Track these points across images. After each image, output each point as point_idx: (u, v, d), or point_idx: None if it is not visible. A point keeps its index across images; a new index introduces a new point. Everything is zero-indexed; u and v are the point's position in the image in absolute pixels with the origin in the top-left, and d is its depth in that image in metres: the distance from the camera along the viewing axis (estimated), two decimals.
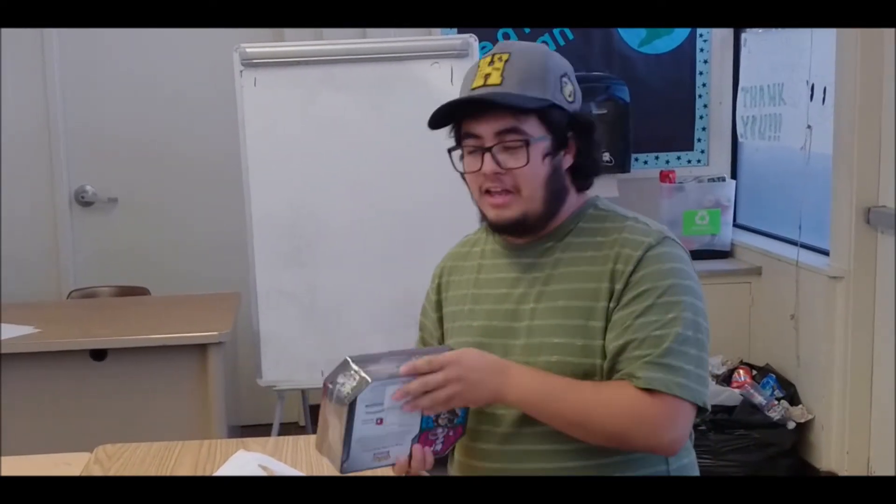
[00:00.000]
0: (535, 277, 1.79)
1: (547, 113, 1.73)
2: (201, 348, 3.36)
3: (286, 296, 3.70)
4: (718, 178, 4.68)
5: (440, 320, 1.96)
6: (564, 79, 1.77)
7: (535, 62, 1.75)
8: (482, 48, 3.87)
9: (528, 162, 1.72)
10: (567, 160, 1.79)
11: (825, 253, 3.90)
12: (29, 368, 3.34)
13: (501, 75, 1.73)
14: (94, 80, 4.70)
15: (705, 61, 4.84)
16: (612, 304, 1.71)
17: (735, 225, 4.74)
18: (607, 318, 1.71)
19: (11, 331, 3.42)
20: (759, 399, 3.96)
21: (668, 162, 4.88)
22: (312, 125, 3.67)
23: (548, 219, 1.79)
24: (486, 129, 1.73)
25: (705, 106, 4.87)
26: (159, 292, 4.35)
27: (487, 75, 1.74)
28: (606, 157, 4.40)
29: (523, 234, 1.82)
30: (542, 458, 1.73)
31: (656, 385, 1.64)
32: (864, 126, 3.60)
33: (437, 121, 1.78)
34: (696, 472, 1.84)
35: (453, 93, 3.74)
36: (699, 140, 4.90)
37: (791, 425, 3.92)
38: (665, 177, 4.64)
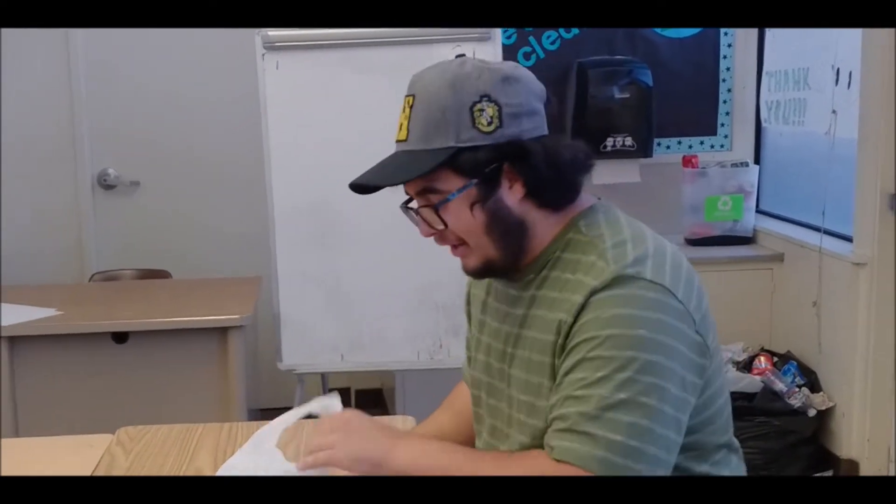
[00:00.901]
0: (515, 316, 1.61)
1: (455, 161, 1.50)
2: (222, 331, 3.38)
3: (307, 279, 3.70)
4: (742, 164, 4.66)
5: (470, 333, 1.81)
6: (480, 104, 1.50)
7: (434, 103, 1.51)
8: (504, 33, 3.87)
9: (445, 225, 1.55)
10: (516, 191, 1.54)
11: (848, 239, 3.87)
12: (51, 350, 3.36)
13: (407, 127, 1.54)
14: (117, 65, 4.71)
15: (729, 45, 4.80)
16: (557, 361, 1.50)
17: (758, 211, 4.71)
18: (555, 377, 1.50)
19: (34, 313, 3.45)
20: (779, 386, 3.95)
21: (690, 147, 4.86)
22: (334, 108, 3.66)
23: (517, 257, 1.58)
24: (410, 190, 1.59)
25: (729, 90, 4.84)
26: (181, 275, 4.36)
27: (400, 125, 1.57)
28: (628, 141, 4.39)
29: (501, 276, 1.63)
30: None
31: (567, 456, 1.41)
32: (890, 111, 3.56)
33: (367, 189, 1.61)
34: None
35: None
36: (722, 125, 4.87)
37: (812, 413, 3.90)
38: (688, 162, 4.61)
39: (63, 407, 3.36)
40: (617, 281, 1.45)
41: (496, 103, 1.51)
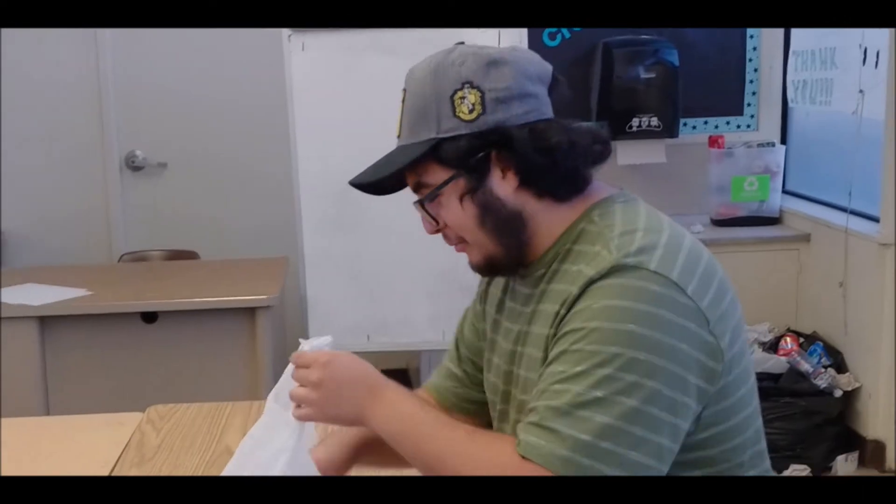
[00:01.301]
0: (525, 314, 1.50)
1: (437, 152, 1.44)
2: (250, 311, 3.41)
3: (333, 261, 3.73)
4: (768, 144, 4.63)
5: (484, 333, 1.68)
6: (461, 92, 1.43)
7: (418, 95, 1.47)
8: None
9: (436, 220, 1.50)
10: (509, 180, 1.44)
11: (875, 220, 3.85)
12: (81, 330, 3.40)
13: (400, 122, 1.51)
14: (143, 47, 4.74)
15: None
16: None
17: (784, 191, 4.69)
18: None
19: (64, 293, 3.49)
20: (805, 367, 3.94)
21: (717, 127, 4.83)
22: (360, 89, 3.67)
23: (519, 252, 1.49)
24: (410, 185, 1.53)
25: (755, 70, 4.81)
26: (208, 256, 4.40)
27: (397, 121, 1.53)
28: (654, 121, 4.37)
29: (511, 273, 1.54)
30: None
31: (530, 453, 1.31)
32: None
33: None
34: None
35: None
36: (749, 105, 4.84)
37: (838, 393, 3.90)
38: (714, 142, 4.59)
39: (93, 386, 3.41)
40: (615, 270, 1.35)
41: (478, 89, 1.43)
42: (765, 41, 4.78)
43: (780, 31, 4.73)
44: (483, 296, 1.70)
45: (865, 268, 3.84)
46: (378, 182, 1.51)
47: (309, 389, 1.46)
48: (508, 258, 1.49)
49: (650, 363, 1.30)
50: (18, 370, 3.35)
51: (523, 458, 1.32)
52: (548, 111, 1.47)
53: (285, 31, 3.66)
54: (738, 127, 4.85)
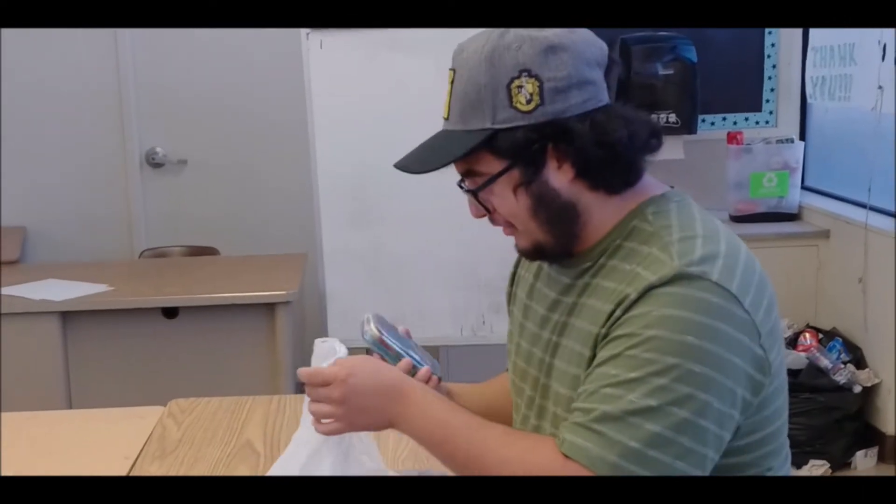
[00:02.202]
0: (565, 304, 1.48)
1: (493, 143, 1.40)
2: (269, 307, 3.43)
3: (352, 255, 3.74)
4: (787, 140, 4.62)
5: (512, 314, 1.69)
6: (518, 80, 1.38)
7: (471, 80, 1.41)
8: None
9: (489, 210, 1.47)
10: (565, 172, 1.41)
11: (894, 216, 3.85)
12: (103, 325, 3.43)
13: (449, 105, 1.46)
14: (163, 44, 4.76)
15: None
16: (596, 353, 1.38)
17: (803, 187, 4.68)
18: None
19: (86, 289, 3.52)
20: (825, 362, 3.93)
21: (735, 123, 4.83)
22: (378, 87, 3.69)
23: (569, 242, 1.46)
24: (458, 170, 1.49)
25: (774, 66, 4.80)
26: (228, 252, 4.42)
27: (445, 102, 1.48)
28: (672, 118, 4.37)
29: (557, 260, 1.51)
30: None
31: (577, 454, 1.30)
32: None
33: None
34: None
35: None
36: (767, 101, 4.83)
37: (857, 389, 3.89)
38: (732, 138, 4.59)
39: (114, 380, 3.44)
40: (678, 278, 1.31)
41: (537, 78, 1.37)
42: (783, 37, 4.77)
43: (798, 28, 4.71)
44: (512, 279, 1.70)
45: (885, 264, 3.83)
46: (421, 171, 1.48)
47: (333, 407, 1.42)
48: (557, 247, 1.47)
49: (705, 376, 1.29)
50: (41, 364, 3.38)
51: (567, 457, 1.31)
52: (605, 96, 1.44)
53: (303, 30, 3.68)
54: (757, 123, 4.84)
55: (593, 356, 1.37)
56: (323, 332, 3.79)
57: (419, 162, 1.48)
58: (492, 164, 1.42)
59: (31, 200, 4.74)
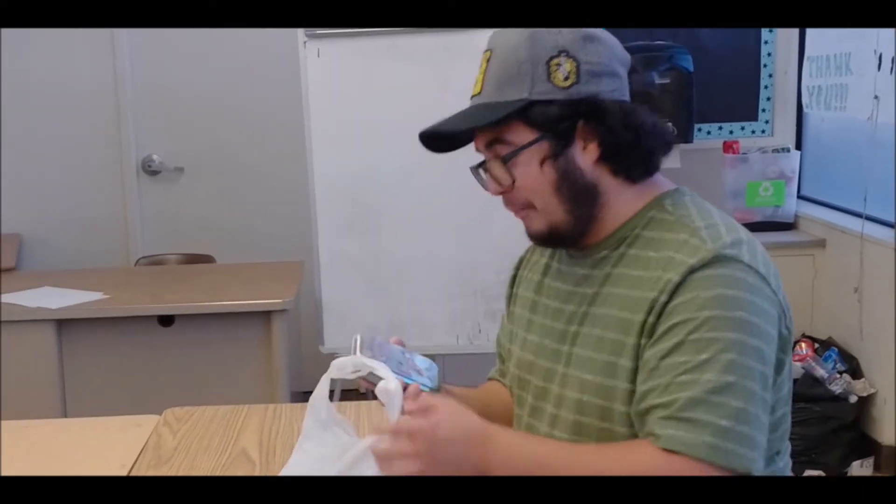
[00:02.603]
0: (584, 294, 1.53)
1: (527, 113, 1.46)
2: (265, 315, 3.42)
3: (349, 263, 3.74)
4: (783, 149, 4.63)
5: (512, 316, 1.73)
6: (557, 59, 1.46)
7: (511, 57, 1.48)
8: None
9: (514, 180, 1.50)
10: (590, 152, 1.48)
11: (891, 225, 3.85)
12: (98, 333, 3.42)
13: (482, 81, 1.51)
14: (160, 51, 4.77)
15: (771, 30, 4.77)
16: (643, 341, 1.42)
17: (799, 196, 4.69)
18: (638, 358, 1.43)
19: (81, 296, 3.51)
20: (820, 372, 3.93)
21: (731, 132, 4.84)
22: (375, 95, 3.69)
23: (585, 226, 1.51)
24: (479, 145, 1.54)
25: (770, 75, 4.81)
26: (224, 260, 4.42)
27: (476, 81, 1.54)
28: (669, 126, 4.37)
29: (569, 245, 1.57)
30: None
31: (675, 445, 1.33)
32: None
33: (439, 146, 1.59)
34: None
35: None
36: (764, 110, 4.84)
37: (853, 399, 3.89)
38: (728, 147, 4.59)
39: (110, 388, 3.43)
40: (717, 260, 1.39)
41: (574, 59, 1.46)
42: (779, 46, 4.78)
43: (794, 37, 4.73)
44: (513, 281, 1.75)
45: (881, 273, 3.84)
46: (455, 133, 1.52)
47: (414, 461, 1.36)
48: (573, 230, 1.51)
49: (759, 349, 1.37)
50: (36, 372, 3.37)
51: (668, 452, 1.33)
52: (628, 94, 1.51)
53: (301, 38, 3.68)
54: (753, 132, 4.85)
55: (639, 343, 1.42)
56: (319, 340, 3.78)
57: (451, 124, 1.52)
58: (522, 135, 1.48)
59: (28, 208, 4.74)
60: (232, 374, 3.44)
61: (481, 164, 1.55)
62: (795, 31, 4.73)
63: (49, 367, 3.38)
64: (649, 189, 1.54)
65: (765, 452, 1.37)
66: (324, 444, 1.56)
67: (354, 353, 1.48)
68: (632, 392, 1.42)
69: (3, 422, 2.18)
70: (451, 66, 3.65)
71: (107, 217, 4.82)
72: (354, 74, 3.69)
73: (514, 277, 1.75)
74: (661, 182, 1.57)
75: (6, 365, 3.33)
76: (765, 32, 4.77)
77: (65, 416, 3.35)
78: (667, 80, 4.35)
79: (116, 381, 3.44)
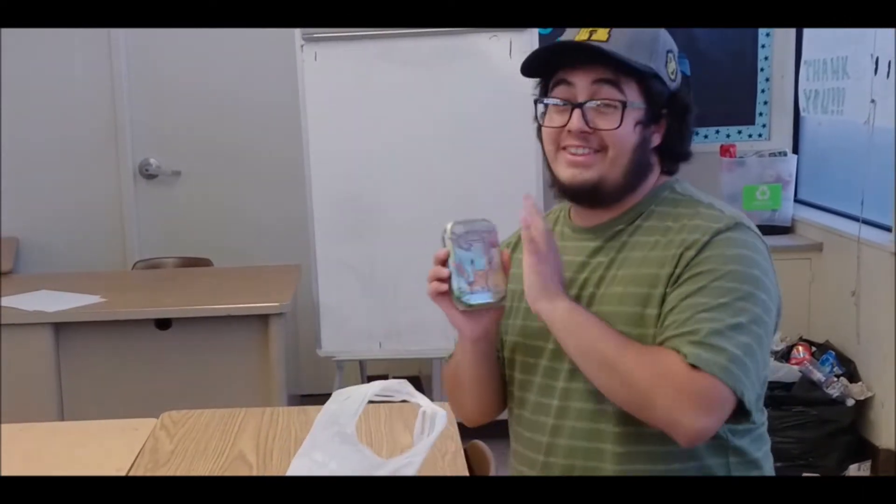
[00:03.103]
0: (600, 262, 1.70)
1: (649, 81, 1.66)
2: (263, 319, 3.42)
3: (345, 268, 3.74)
4: (780, 153, 4.64)
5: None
6: (671, 55, 1.71)
7: (644, 33, 1.68)
8: None
9: (620, 124, 1.64)
10: (655, 138, 1.71)
11: (887, 229, 3.85)
12: (96, 337, 3.42)
13: (609, 33, 1.64)
14: (157, 56, 4.77)
15: (767, 34, 4.78)
16: (668, 290, 1.61)
17: (796, 200, 4.69)
18: (662, 305, 1.61)
19: (78, 300, 3.51)
20: (817, 376, 3.94)
21: (728, 136, 4.84)
22: (372, 98, 3.70)
23: (623, 192, 1.70)
24: (581, 78, 1.66)
25: (767, 79, 4.82)
26: (222, 264, 4.41)
27: (593, 31, 1.65)
28: None
29: (593, 202, 1.72)
30: (596, 458, 1.65)
31: (698, 362, 1.51)
32: None
33: (531, 67, 1.71)
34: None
35: (511, 66, 3.75)
36: (761, 114, 4.85)
37: (850, 402, 3.89)
38: (725, 151, 4.60)
39: (107, 392, 3.43)
40: (738, 226, 1.64)
41: (676, 63, 1.72)
42: (776, 50, 4.79)
43: (791, 41, 4.73)
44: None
45: (878, 277, 3.84)
46: (609, 53, 1.63)
47: (537, 258, 1.62)
48: (616, 190, 1.69)
49: (767, 302, 1.60)
50: (34, 376, 3.37)
51: (691, 366, 1.51)
52: None
53: (298, 42, 3.68)
54: (750, 136, 4.85)
55: (664, 293, 1.61)
56: (316, 345, 3.79)
57: (609, 49, 1.64)
58: (633, 94, 1.67)
59: (25, 211, 4.73)
60: (229, 377, 3.44)
61: (576, 104, 1.66)
62: (792, 36, 4.74)
63: (46, 370, 3.37)
64: (661, 177, 1.76)
65: (760, 387, 1.59)
66: (344, 458, 1.57)
67: (444, 244, 1.66)
68: (653, 336, 1.61)
69: (0, 425, 2.18)
70: (448, 70, 3.66)
71: (104, 220, 4.82)
72: (351, 78, 3.70)
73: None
74: (664, 175, 1.79)
75: (4, 368, 3.32)
76: (762, 36, 4.77)
77: (62, 419, 3.35)
78: None
79: (114, 385, 3.43)
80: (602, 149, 1.66)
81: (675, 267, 1.61)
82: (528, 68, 1.72)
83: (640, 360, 1.55)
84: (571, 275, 1.72)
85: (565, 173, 1.69)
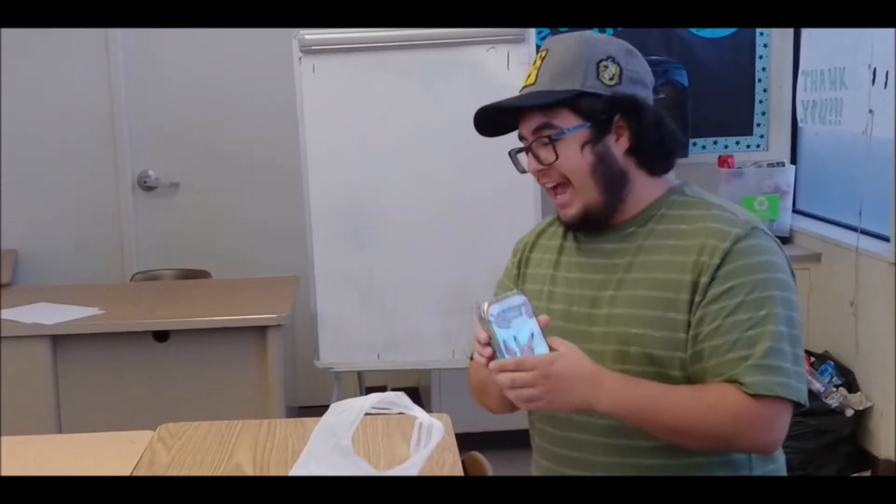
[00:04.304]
0: (616, 264, 1.77)
1: (576, 102, 1.72)
2: (261, 330, 3.42)
3: (343, 279, 3.74)
4: (778, 164, 4.64)
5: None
6: (605, 62, 1.74)
7: (567, 54, 1.75)
8: (539, 34, 3.88)
9: (556, 157, 1.74)
10: (622, 144, 1.76)
11: (886, 239, 3.85)
12: (93, 349, 3.42)
13: (537, 74, 1.76)
14: (156, 67, 4.77)
15: (765, 45, 4.79)
16: (697, 298, 1.67)
17: (794, 210, 4.69)
18: (691, 312, 1.68)
19: (76, 312, 3.51)
20: (817, 386, 3.93)
21: (726, 146, 4.85)
22: (369, 110, 3.70)
23: (614, 206, 1.77)
24: (525, 129, 1.78)
25: (765, 90, 4.82)
26: (220, 275, 4.41)
27: (529, 75, 1.78)
28: None
29: (596, 228, 1.80)
30: (620, 453, 1.73)
31: (761, 389, 1.60)
32: None
33: (485, 130, 1.83)
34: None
35: (509, 77, 3.76)
36: (758, 125, 4.85)
37: (849, 412, 3.89)
38: (723, 161, 4.60)
39: (105, 404, 3.42)
40: (755, 231, 1.70)
41: (619, 65, 1.74)
42: (774, 61, 4.80)
43: (789, 51, 4.74)
44: (523, 262, 1.96)
45: (876, 287, 3.84)
46: (517, 105, 1.75)
47: (537, 389, 1.58)
48: (604, 210, 1.76)
49: (795, 301, 1.69)
50: (32, 388, 3.37)
51: (752, 396, 1.60)
52: (652, 104, 1.80)
53: (296, 53, 3.69)
54: (748, 147, 4.86)
55: (692, 300, 1.67)
56: (314, 356, 3.78)
57: (517, 101, 1.76)
58: (569, 121, 1.73)
59: (23, 223, 4.73)
60: (227, 389, 3.44)
61: (526, 148, 1.78)
62: (790, 46, 4.74)
63: (44, 382, 3.37)
64: (666, 182, 1.82)
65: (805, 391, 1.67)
66: (340, 471, 1.57)
67: (479, 319, 1.63)
68: (686, 340, 1.67)
69: None
70: (445, 82, 3.66)
71: (102, 232, 4.82)
72: (349, 90, 3.70)
73: (519, 261, 1.97)
74: (671, 179, 1.84)
75: (1, 381, 3.32)
76: (759, 47, 4.78)
77: (60, 431, 3.34)
78: (662, 95, 4.35)
79: (112, 397, 3.43)
80: (566, 181, 1.76)
81: (700, 275, 1.68)
82: (485, 131, 1.83)
83: (705, 410, 1.62)
84: (586, 275, 1.81)
85: (559, 212, 1.82)
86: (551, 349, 1.61)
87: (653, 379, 1.69)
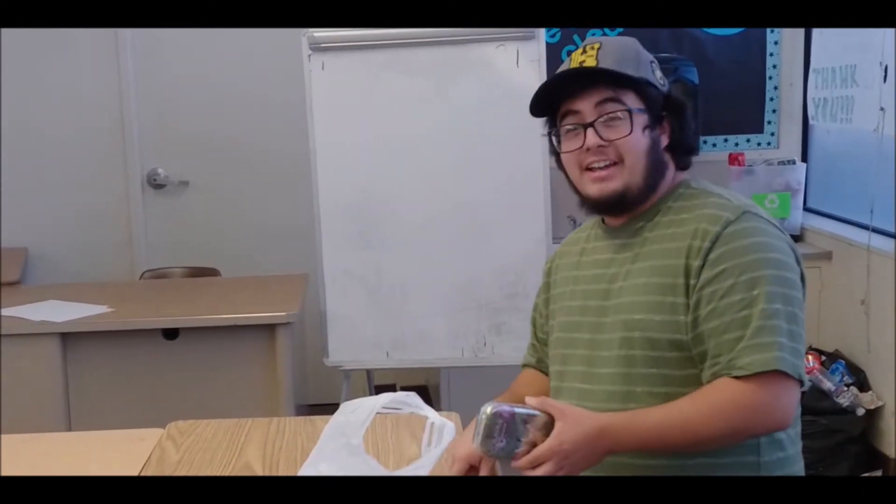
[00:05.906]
0: (625, 257, 1.86)
1: (644, 88, 1.82)
2: (270, 328, 3.42)
3: (352, 277, 3.73)
4: (789, 161, 4.62)
5: (547, 301, 2.06)
6: (654, 65, 1.87)
7: (627, 47, 1.85)
8: (548, 32, 3.86)
9: (630, 131, 1.80)
10: (663, 139, 1.86)
11: None
12: (103, 346, 3.42)
13: (596, 58, 1.81)
14: (165, 65, 4.78)
15: (776, 42, 4.77)
16: (692, 281, 1.74)
17: (805, 209, 4.68)
18: (689, 295, 1.74)
19: (86, 310, 3.51)
20: (827, 385, 3.92)
21: (737, 144, 4.83)
22: (379, 108, 3.69)
23: (647, 193, 1.85)
24: (585, 104, 1.82)
25: (776, 88, 4.81)
26: (229, 273, 4.42)
27: (582, 61, 1.82)
28: None
29: (623, 210, 1.87)
30: (628, 454, 1.74)
31: (756, 368, 1.65)
32: None
33: (536, 104, 1.87)
34: (794, 468, 1.82)
35: (518, 75, 3.74)
36: (769, 122, 4.84)
37: (860, 412, 3.87)
38: (734, 159, 4.59)
39: (114, 402, 3.42)
40: (746, 215, 1.75)
41: (662, 71, 1.89)
42: (785, 58, 4.78)
43: (799, 49, 4.73)
44: (553, 270, 2.06)
45: (888, 285, 3.82)
46: (607, 70, 1.79)
47: (562, 470, 1.59)
48: (639, 195, 1.84)
49: (793, 280, 1.73)
50: (41, 386, 3.37)
51: (746, 379, 1.64)
52: None
53: (305, 51, 3.68)
54: (759, 144, 4.84)
55: (687, 283, 1.74)
56: (323, 354, 3.78)
57: (602, 70, 1.80)
58: (634, 103, 1.82)
59: (33, 221, 4.74)
60: (236, 387, 3.44)
61: (586, 124, 1.81)
62: (800, 44, 4.73)
63: (54, 380, 3.37)
64: (677, 176, 1.90)
65: (803, 365, 1.70)
66: (350, 470, 1.57)
67: (477, 437, 1.58)
68: (687, 323, 1.73)
69: (6, 436, 2.18)
70: (455, 80, 3.65)
71: (112, 230, 4.82)
72: (359, 87, 3.69)
73: (549, 270, 2.08)
74: (681, 173, 1.93)
75: (11, 378, 3.32)
76: (770, 45, 4.76)
77: (69, 429, 3.35)
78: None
79: (121, 395, 3.43)
80: (619, 160, 1.82)
81: (694, 258, 1.74)
82: (537, 105, 1.87)
83: (707, 416, 1.65)
84: (601, 270, 1.90)
85: (593, 189, 1.85)
86: (545, 413, 1.62)
87: (654, 363, 1.76)
